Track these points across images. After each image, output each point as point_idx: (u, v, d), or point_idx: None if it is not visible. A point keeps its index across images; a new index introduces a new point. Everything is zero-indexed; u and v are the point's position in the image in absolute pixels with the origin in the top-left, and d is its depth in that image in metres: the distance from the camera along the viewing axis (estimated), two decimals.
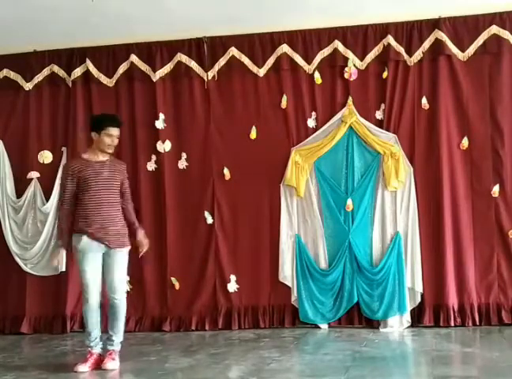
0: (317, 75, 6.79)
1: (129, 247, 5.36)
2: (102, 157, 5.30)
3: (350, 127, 6.66)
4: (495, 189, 6.48)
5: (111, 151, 5.32)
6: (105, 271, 5.25)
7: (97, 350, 5.26)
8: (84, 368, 5.13)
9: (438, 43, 6.55)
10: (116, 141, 5.32)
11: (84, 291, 5.21)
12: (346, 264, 6.59)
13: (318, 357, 5.37)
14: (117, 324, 5.27)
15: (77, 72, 7.11)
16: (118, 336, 5.29)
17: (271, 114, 6.87)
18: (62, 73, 7.17)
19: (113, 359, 5.21)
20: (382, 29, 6.67)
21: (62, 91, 7.20)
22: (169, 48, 7.01)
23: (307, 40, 6.80)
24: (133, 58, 7.04)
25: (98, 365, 5.18)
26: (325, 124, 6.75)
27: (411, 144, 6.61)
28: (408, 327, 6.45)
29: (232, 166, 6.90)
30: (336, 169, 6.71)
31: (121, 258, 5.28)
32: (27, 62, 7.19)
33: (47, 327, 6.98)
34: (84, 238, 5.15)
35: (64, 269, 6.89)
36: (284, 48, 6.81)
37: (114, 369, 5.13)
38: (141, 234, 5.47)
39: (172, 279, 6.91)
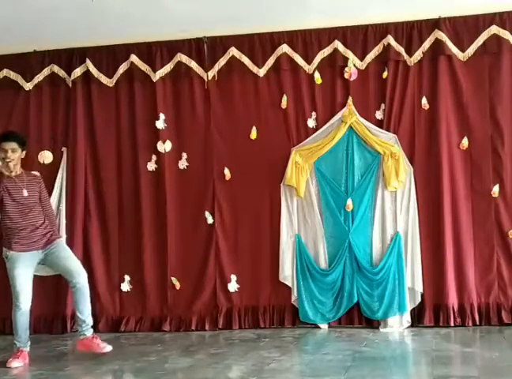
0: (317, 75, 6.79)
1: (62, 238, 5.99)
2: (15, 172, 5.61)
3: (350, 127, 6.66)
4: (495, 189, 6.48)
5: (9, 165, 5.53)
6: (55, 265, 5.69)
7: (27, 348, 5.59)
8: (18, 363, 5.40)
9: (438, 43, 6.55)
10: (12, 155, 5.53)
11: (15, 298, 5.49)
12: (346, 264, 6.59)
13: (318, 357, 5.38)
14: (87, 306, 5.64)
15: (77, 72, 7.11)
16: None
17: (271, 114, 6.87)
18: (62, 73, 7.17)
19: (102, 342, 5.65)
20: (382, 29, 6.66)
21: (62, 91, 7.19)
22: (169, 48, 7.01)
23: (307, 40, 6.79)
24: (133, 58, 7.04)
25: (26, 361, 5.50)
26: (325, 124, 6.74)
27: (411, 144, 6.61)
28: (408, 327, 6.45)
29: (232, 166, 6.90)
30: (336, 169, 6.70)
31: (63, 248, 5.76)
32: (27, 62, 7.19)
33: (47, 327, 6.97)
34: (14, 254, 5.51)
35: None
36: (284, 48, 6.81)
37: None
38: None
39: (172, 279, 6.91)
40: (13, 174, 5.57)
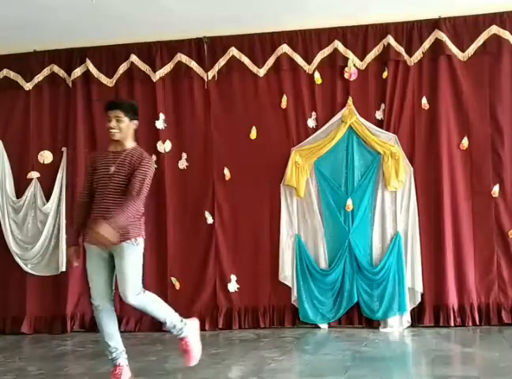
0: (317, 75, 6.79)
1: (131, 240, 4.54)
2: (119, 147, 4.73)
3: (350, 127, 6.66)
4: (495, 189, 6.48)
5: (114, 137, 4.70)
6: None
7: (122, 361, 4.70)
8: None
9: (438, 43, 6.55)
10: (117, 124, 4.70)
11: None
12: (346, 264, 6.59)
13: (318, 357, 5.38)
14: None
15: (77, 72, 7.11)
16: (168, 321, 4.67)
17: (271, 114, 6.87)
18: (62, 73, 7.18)
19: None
20: (382, 29, 6.67)
21: (62, 91, 7.20)
22: (169, 48, 7.02)
23: (307, 40, 6.80)
24: (133, 58, 7.04)
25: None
26: (325, 124, 6.75)
27: (411, 144, 6.61)
28: (408, 327, 6.45)
29: (232, 166, 6.90)
30: (336, 169, 6.71)
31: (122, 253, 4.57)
32: (27, 62, 7.20)
33: (47, 327, 6.98)
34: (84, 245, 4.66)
35: (64, 269, 6.89)
36: (284, 48, 6.81)
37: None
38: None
39: (172, 279, 6.91)
40: (112, 148, 4.72)
